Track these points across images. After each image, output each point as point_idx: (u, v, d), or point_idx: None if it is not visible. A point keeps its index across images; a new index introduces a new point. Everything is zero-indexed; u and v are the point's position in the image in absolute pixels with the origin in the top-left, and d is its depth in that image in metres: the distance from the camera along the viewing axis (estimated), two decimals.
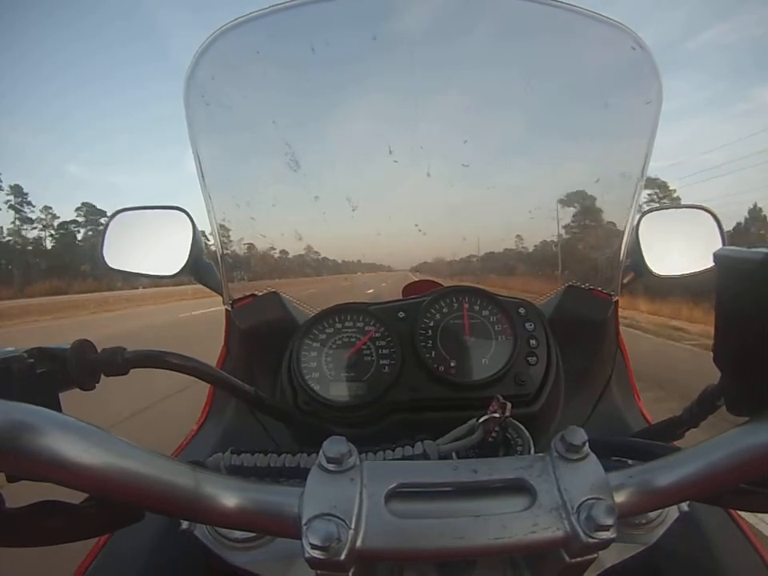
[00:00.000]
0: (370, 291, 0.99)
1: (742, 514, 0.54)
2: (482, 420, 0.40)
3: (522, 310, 0.64)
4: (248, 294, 0.71)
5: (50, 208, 42.22)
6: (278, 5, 0.58)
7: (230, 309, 0.70)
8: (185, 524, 0.41)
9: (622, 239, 0.67)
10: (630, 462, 0.41)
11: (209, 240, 0.72)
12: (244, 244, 0.72)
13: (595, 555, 0.29)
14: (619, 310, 0.73)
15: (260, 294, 0.72)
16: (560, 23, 0.62)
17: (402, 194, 0.76)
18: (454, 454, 0.39)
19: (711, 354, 0.35)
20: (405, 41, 0.63)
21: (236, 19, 0.59)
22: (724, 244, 0.72)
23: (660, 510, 0.44)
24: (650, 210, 0.75)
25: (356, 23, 0.64)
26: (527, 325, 0.63)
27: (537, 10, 0.61)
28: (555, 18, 0.61)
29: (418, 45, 0.63)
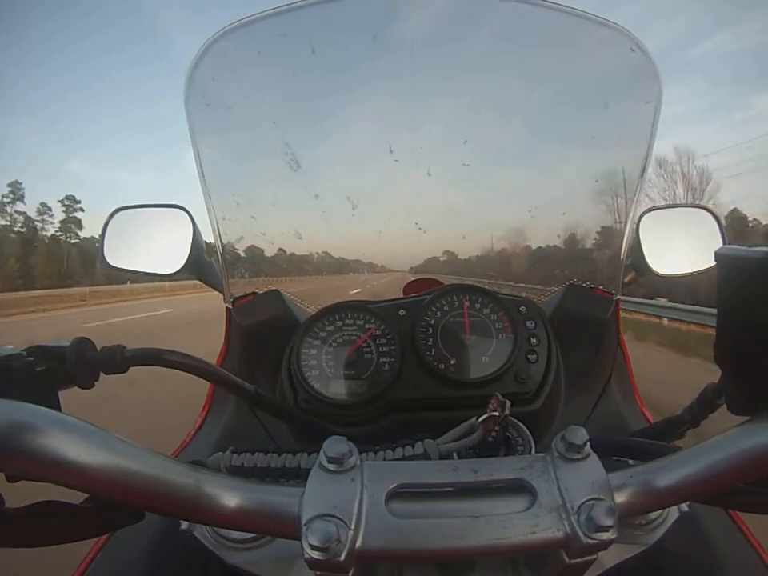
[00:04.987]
0: (354, 292, 0.98)
1: (742, 514, 0.54)
2: (481, 419, 0.40)
3: (522, 309, 0.64)
4: (248, 291, 0.71)
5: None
6: (279, 6, 0.58)
7: (230, 307, 0.70)
8: (184, 524, 0.41)
9: (623, 238, 0.67)
10: (630, 461, 0.41)
11: (209, 238, 0.72)
12: (244, 242, 0.72)
13: (595, 556, 0.29)
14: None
15: (260, 291, 0.72)
16: (560, 25, 0.62)
17: (402, 194, 0.76)
18: (454, 454, 0.39)
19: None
20: (406, 42, 0.63)
21: (237, 20, 0.59)
22: (724, 243, 0.72)
23: (660, 511, 0.43)
24: (651, 209, 0.74)
25: (357, 25, 0.64)
26: (528, 323, 0.63)
27: (536, 13, 0.61)
28: (555, 20, 0.61)
29: (418, 46, 0.63)
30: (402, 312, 0.64)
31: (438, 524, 0.28)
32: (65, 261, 39.50)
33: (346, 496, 0.28)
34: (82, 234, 42.88)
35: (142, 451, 0.27)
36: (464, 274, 0.87)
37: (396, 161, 0.67)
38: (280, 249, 0.77)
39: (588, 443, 0.31)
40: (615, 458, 0.41)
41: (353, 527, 0.27)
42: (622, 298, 0.71)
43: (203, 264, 0.75)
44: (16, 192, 40.17)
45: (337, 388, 0.59)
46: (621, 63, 0.63)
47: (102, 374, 0.42)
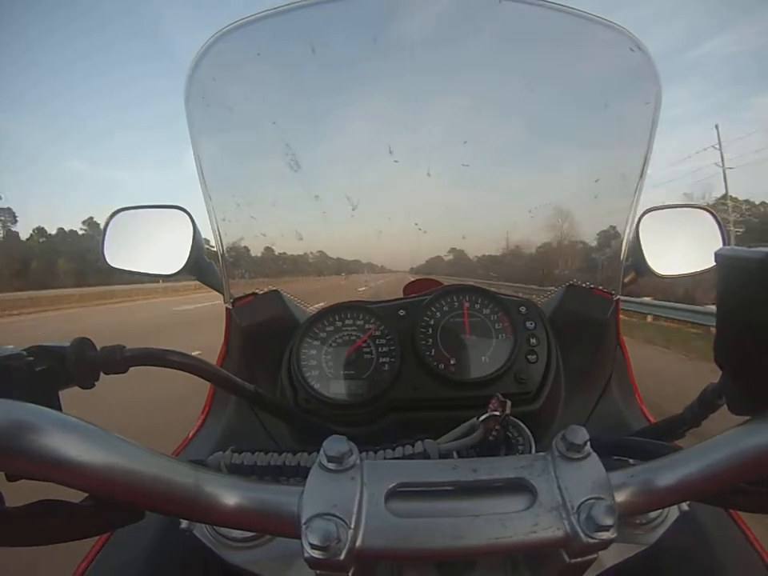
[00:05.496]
0: (362, 289, 0.98)
1: (742, 513, 0.54)
2: (482, 419, 0.40)
3: (522, 309, 0.64)
4: (249, 292, 0.71)
5: None
6: (279, 7, 0.58)
7: (230, 307, 0.70)
8: (184, 523, 0.41)
9: (623, 238, 0.67)
10: (630, 461, 0.41)
11: (209, 239, 0.72)
12: (244, 243, 0.72)
13: (595, 555, 0.29)
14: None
15: (260, 292, 0.72)
16: (559, 25, 0.62)
17: (402, 194, 0.76)
18: (454, 453, 0.39)
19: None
20: (405, 42, 0.63)
21: (237, 21, 0.59)
22: (725, 244, 0.72)
23: (660, 510, 0.43)
24: (651, 209, 0.74)
25: (357, 25, 0.64)
26: (527, 323, 0.63)
27: (536, 13, 0.61)
28: (554, 20, 0.61)
29: (418, 46, 0.63)
30: (401, 312, 0.64)
31: (437, 523, 0.28)
32: None
33: (346, 495, 0.28)
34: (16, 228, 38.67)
35: (142, 450, 0.27)
36: (464, 275, 0.87)
37: (396, 161, 0.67)
38: (280, 249, 0.77)
39: (588, 443, 0.31)
40: (616, 457, 0.41)
41: (352, 526, 0.27)
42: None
43: (203, 265, 0.75)
44: None
45: (337, 388, 0.59)
46: (621, 63, 0.63)
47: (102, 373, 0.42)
